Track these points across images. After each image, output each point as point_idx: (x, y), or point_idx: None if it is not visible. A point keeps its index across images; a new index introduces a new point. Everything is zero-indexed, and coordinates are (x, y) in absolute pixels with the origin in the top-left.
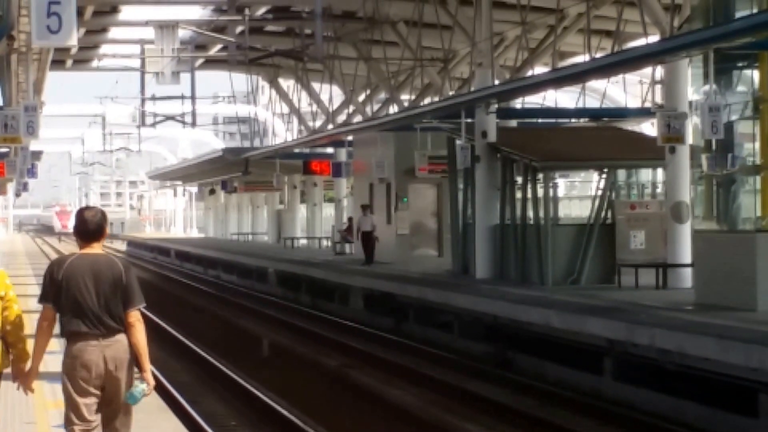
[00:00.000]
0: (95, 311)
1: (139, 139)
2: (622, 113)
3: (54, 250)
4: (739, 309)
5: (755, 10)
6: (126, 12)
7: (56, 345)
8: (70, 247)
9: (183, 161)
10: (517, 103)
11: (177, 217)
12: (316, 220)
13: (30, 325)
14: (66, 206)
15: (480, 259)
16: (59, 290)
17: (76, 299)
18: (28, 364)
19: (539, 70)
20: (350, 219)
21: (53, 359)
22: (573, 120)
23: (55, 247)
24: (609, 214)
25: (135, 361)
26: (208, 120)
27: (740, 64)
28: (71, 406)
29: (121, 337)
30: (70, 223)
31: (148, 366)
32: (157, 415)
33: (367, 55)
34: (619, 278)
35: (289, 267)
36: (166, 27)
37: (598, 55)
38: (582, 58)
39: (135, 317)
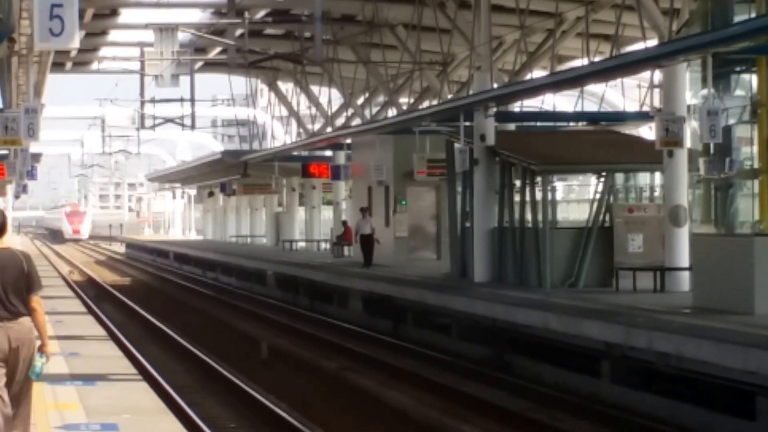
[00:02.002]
0: (2, 297)
1: (138, 142)
2: (621, 117)
3: (62, 259)
4: (737, 312)
5: (753, 15)
6: (126, 15)
7: (57, 347)
8: (75, 252)
9: (182, 164)
10: (516, 107)
11: (176, 220)
12: (314, 223)
13: None
14: (78, 206)
15: (478, 262)
16: None
17: None
18: None
19: (538, 73)
20: (344, 222)
21: (54, 361)
22: (571, 123)
23: (63, 254)
24: (607, 218)
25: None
26: (207, 123)
27: (738, 69)
28: None
29: (24, 320)
30: (85, 228)
31: (47, 341)
32: (157, 417)
33: (366, 58)
34: (617, 281)
35: (288, 269)
36: (165, 30)
37: (597, 59)
38: (580, 62)
39: (36, 301)
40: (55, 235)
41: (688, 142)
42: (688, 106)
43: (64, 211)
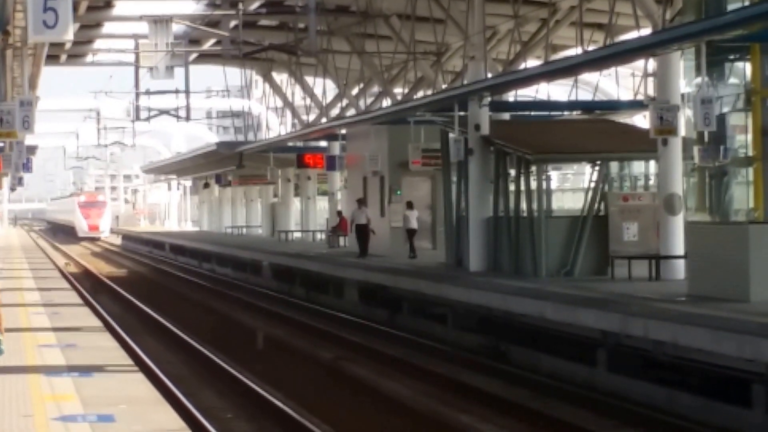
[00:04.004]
0: None
1: (134, 134)
2: (615, 106)
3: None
4: (732, 300)
5: (747, 3)
6: (120, 7)
7: (53, 339)
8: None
9: (177, 155)
10: (510, 96)
11: (171, 211)
12: (310, 214)
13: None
14: (96, 194)
15: (473, 251)
16: None
17: None
18: None
19: (532, 63)
20: (339, 213)
21: (51, 353)
22: (566, 113)
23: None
24: (602, 206)
25: None
26: (202, 114)
27: (732, 57)
28: None
29: None
30: (104, 223)
31: (2, 327)
32: (154, 407)
33: (361, 48)
34: (612, 270)
35: (284, 260)
36: (160, 22)
37: (591, 48)
38: (574, 51)
39: None
40: (61, 233)
41: (682, 131)
42: (682, 95)
43: (76, 202)
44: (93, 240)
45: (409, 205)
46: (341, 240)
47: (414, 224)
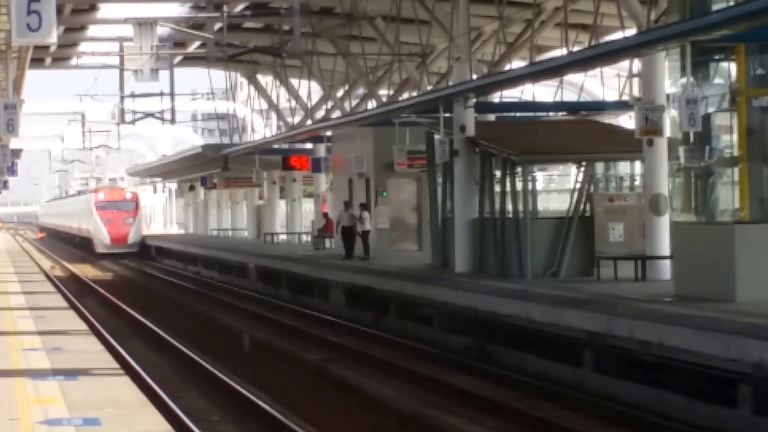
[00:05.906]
0: None
1: (119, 137)
2: (600, 106)
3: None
4: (718, 300)
5: (732, 3)
6: (104, 9)
7: (38, 342)
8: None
9: (162, 158)
10: (495, 98)
11: (156, 214)
12: (295, 216)
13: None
14: (122, 190)
15: (459, 253)
16: None
17: None
18: None
19: (517, 64)
20: (325, 214)
21: (36, 356)
22: (551, 114)
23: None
24: (587, 207)
25: None
26: (187, 117)
27: (717, 57)
28: None
29: None
30: (134, 231)
31: None
32: (140, 410)
33: (345, 50)
34: (598, 271)
35: (270, 262)
36: (144, 24)
37: (576, 48)
38: (559, 52)
39: None
40: (72, 246)
41: (667, 131)
42: (668, 95)
43: (93, 201)
44: (117, 257)
45: (363, 207)
46: (327, 242)
47: (368, 226)
